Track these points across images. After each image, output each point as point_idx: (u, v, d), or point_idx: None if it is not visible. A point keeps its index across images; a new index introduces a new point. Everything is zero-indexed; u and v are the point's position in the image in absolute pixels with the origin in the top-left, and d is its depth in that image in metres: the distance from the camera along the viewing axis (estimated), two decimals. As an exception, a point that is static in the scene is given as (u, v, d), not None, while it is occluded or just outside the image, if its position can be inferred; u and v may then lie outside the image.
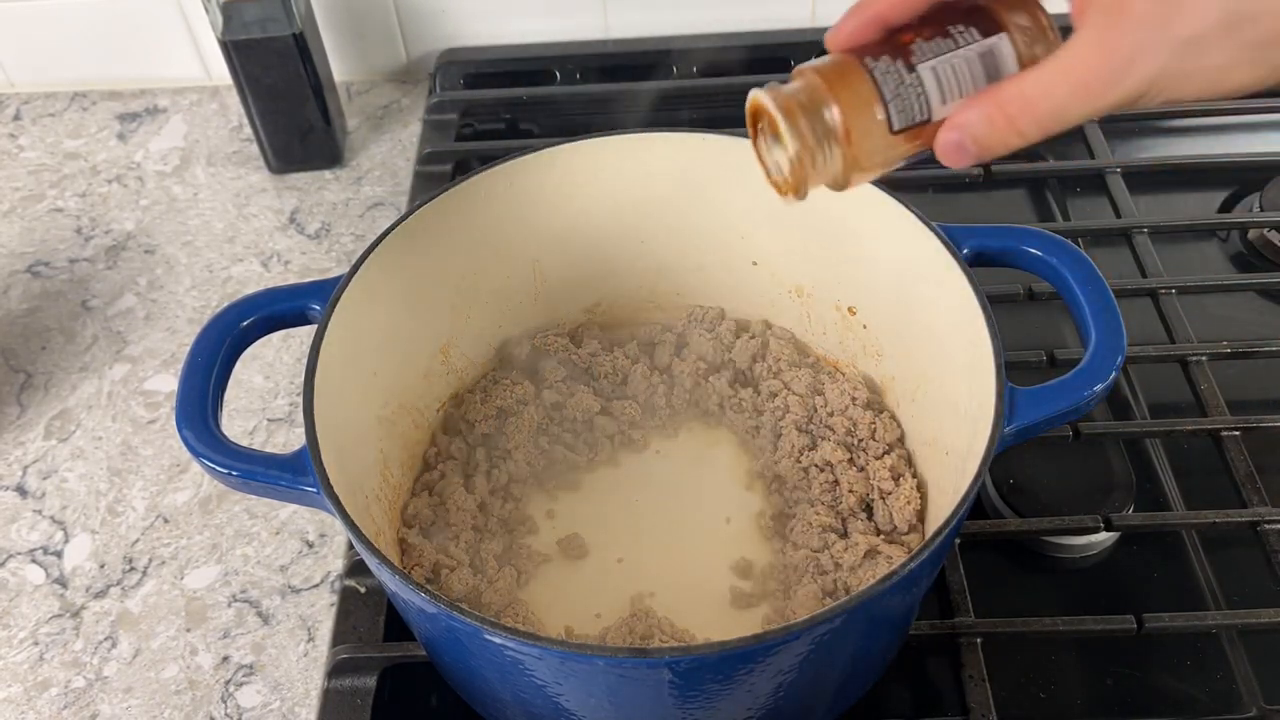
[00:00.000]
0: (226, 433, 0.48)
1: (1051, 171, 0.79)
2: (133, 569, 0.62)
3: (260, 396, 0.70)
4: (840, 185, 0.41)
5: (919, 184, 0.76)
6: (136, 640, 0.59)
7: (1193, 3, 0.34)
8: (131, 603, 0.60)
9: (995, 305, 0.48)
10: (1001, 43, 0.40)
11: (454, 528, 0.57)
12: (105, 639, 0.59)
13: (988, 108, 0.38)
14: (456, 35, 0.91)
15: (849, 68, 0.40)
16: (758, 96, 0.41)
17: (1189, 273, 0.71)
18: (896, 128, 0.40)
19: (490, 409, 0.61)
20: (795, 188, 0.41)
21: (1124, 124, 0.82)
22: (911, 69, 0.39)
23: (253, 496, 0.57)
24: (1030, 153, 0.76)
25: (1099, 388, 0.46)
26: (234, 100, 0.91)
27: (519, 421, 0.61)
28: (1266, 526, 0.56)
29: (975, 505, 0.45)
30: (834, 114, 0.39)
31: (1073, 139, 0.80)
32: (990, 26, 0.40)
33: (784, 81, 0.41)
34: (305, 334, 0.72)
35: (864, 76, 0.39)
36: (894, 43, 0.40)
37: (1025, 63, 0.39)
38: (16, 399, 0.71)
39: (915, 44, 0.40)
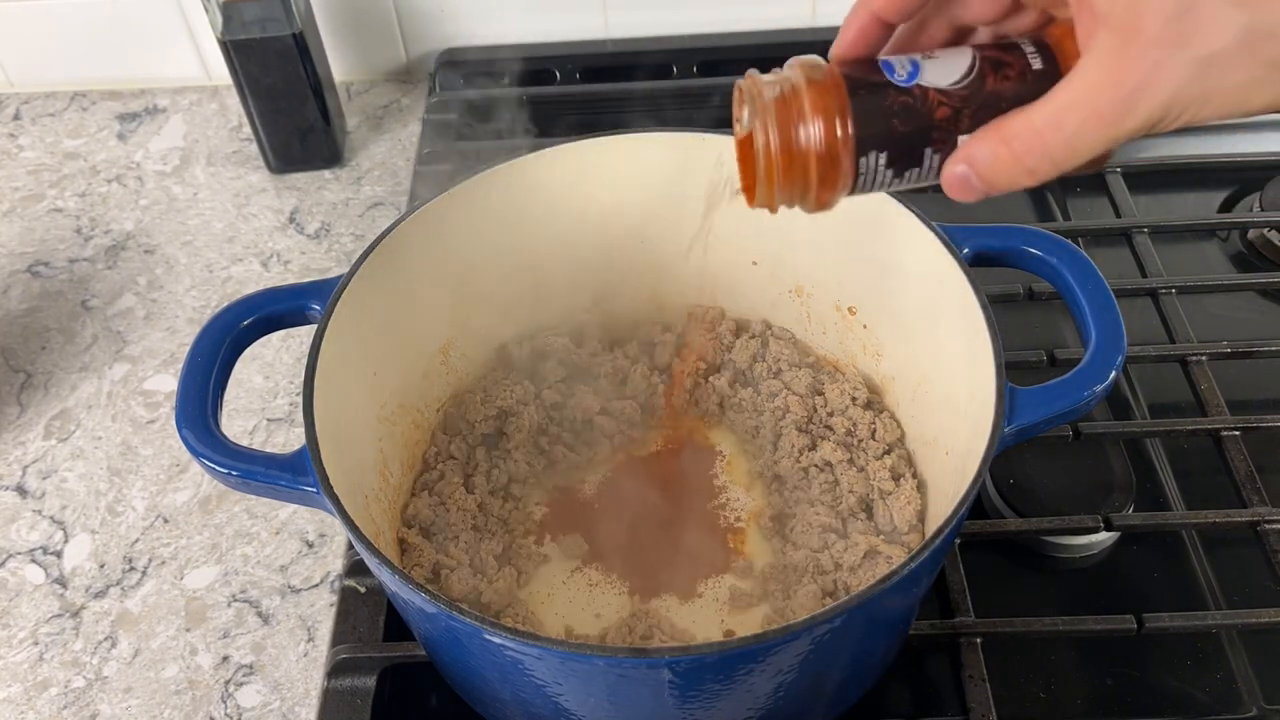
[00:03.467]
0: (226, 433, 0.48)
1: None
2: (132, 569, 0.62)
3: (260, 396, 0.70)
4: (814, 207, 0.39)
5: (919, 184, 0.76)
6: (136, 640, 0.59)
7: (1210, 20, 0.32)
8: (131, 603, 0.60)
9: (995, 305, 0.48)
10: (1016, 58, 0.37)
11: (454, 528, 0.56)
12: (105, 639, 0.59)
13: (993, 143, 0.35)
14: (456, 35, 0.91)
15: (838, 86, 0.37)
16: (748, 86, 0.38)
17: (1189, 273, 0.71)
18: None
19: (490, 409, 0.61)
20: (770, 198, 0.39)
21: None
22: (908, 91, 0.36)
23: (252, 496, 0.57)
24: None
25: (1099, 388, 0.46)
26: (234, 100, 0.91)
27: (519, 421, 0.61)
28: (1266, 526, 0.56)
29: (975, 505, 0.45)
30: (818, 136, 0.36)
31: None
32: (1002, 48, 0.37)
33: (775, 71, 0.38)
34: (305, 334, 0.72)
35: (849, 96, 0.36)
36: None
37: (1032, 88, 0.36)
38: (16, 399, 0.71)
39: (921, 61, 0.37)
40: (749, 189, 0.40)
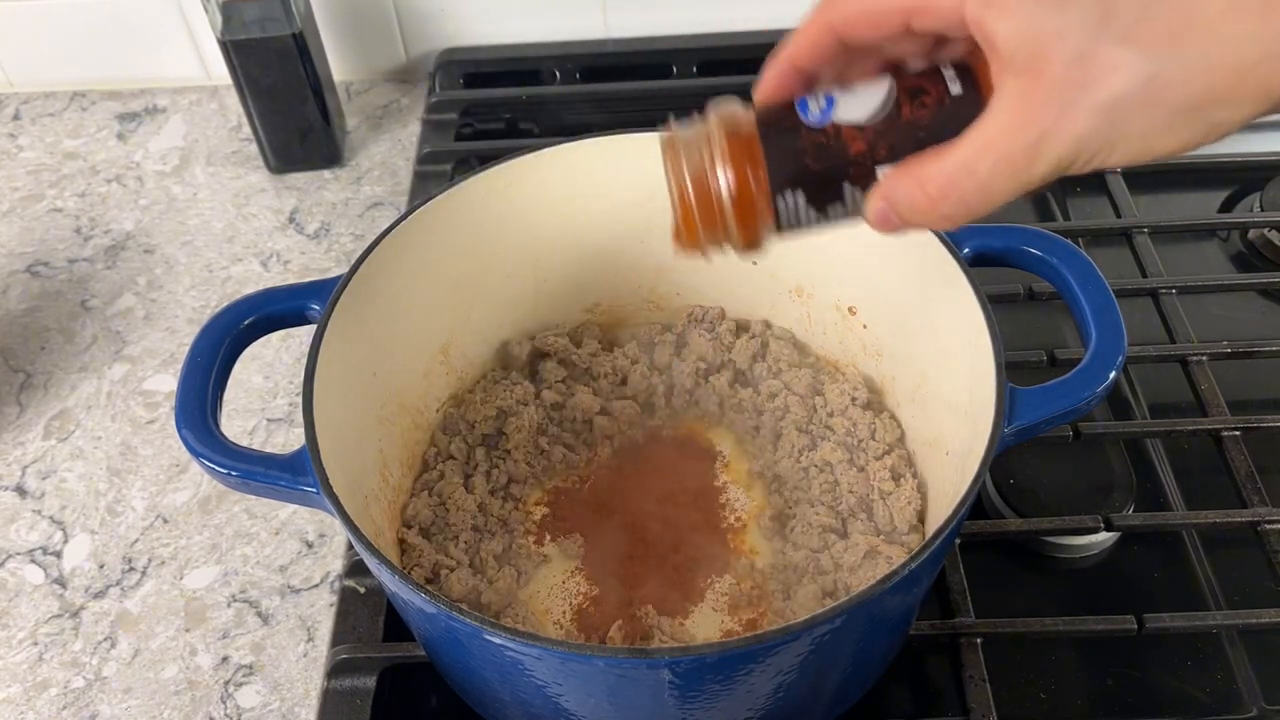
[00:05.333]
0: (226, 433, 0.48)
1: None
2: (132, 569, 0.62)
3: (260, 396, 0.70)
4: (742, 248, 0.39)
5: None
6: (136, 640, 0.59)
7: (1111, 65, 0.32)
8: (131, 603, 0.60)
9: (995, 305, 0.48)
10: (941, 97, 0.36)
11: (454, 528, 0.57)
12: (104, 639, 0.59)
13: (908, 185, 0.36)
14: (456, 35, 0.91)
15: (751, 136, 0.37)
16: (669, 142, 0.39)
17: (1189, 273, 0.71)
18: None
19: (490, 409, 0.61)
20: (695, 243, 0.39)
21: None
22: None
23: (252, 496, 0.57)
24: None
25: (1099, 388, 0.46)
26: (233, 100, 0.91)
27: (519, 421, 0.61)
28: (1266, 526, 0.56)
29: (975, 505, 0.45)
30: (729, 181, 0.37)
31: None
32: (922, 74, 0.37)
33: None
34: (305, 334, 0.71)
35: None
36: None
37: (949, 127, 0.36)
38: (16, 399, 0.71)
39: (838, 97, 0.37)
40: (676, 237, 0.40)
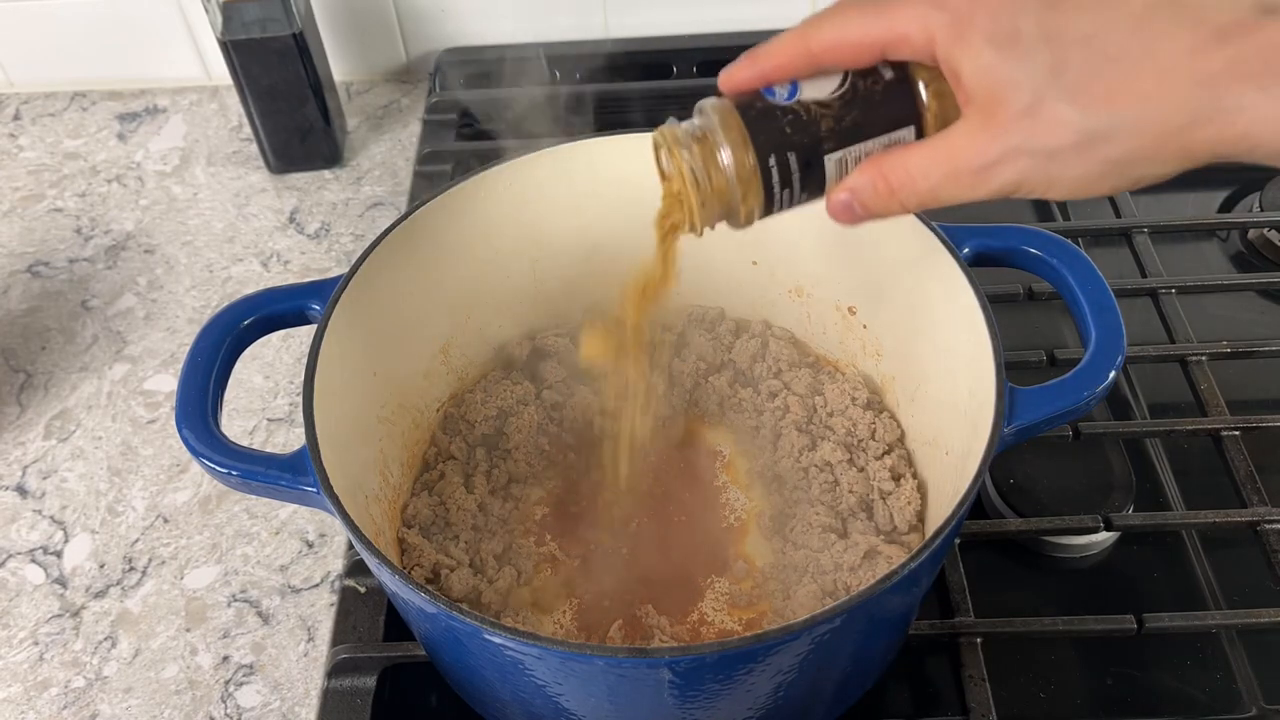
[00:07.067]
0: (226, 433, 0.48)
1: (1051, 171, 0.79)
2: (132, 569, 0.62)
3: (260, 396, 0.70)
4: (738, 221, 0.43)
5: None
6: (136, 640, 0.59)
7: (1052, 119, 0.36)
8: (131, 603, 0.60)
9: (995, 305, 0.48)
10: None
11: (454, 528, 0.57)
12: (105, 639, 0.59)
13: (875, 175, 0.40)
14: (456, 35, 0.91)
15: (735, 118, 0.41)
16: (667, 134, 0.42)
17: (1189, 273, 0.71)
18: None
19: (490, 409, 0.61)
20: (694, 223, 0.43)
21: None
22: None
23: (252, 496, 0.57)
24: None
25: (1099, 388, 0.46)
26: (234, 100, 0.91)
27: (519, 421, 0.61)
28: (1266, 526, 0.56)
29: (975, 505, 0.45)
30: (728, 158, 0.41)
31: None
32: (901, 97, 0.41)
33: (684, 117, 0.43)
34: (305, 334, 0.72)
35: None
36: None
37: (925, 127, 0.41)
38: (16, 399, 0.71)
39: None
40: (675, 221, 0.45)
